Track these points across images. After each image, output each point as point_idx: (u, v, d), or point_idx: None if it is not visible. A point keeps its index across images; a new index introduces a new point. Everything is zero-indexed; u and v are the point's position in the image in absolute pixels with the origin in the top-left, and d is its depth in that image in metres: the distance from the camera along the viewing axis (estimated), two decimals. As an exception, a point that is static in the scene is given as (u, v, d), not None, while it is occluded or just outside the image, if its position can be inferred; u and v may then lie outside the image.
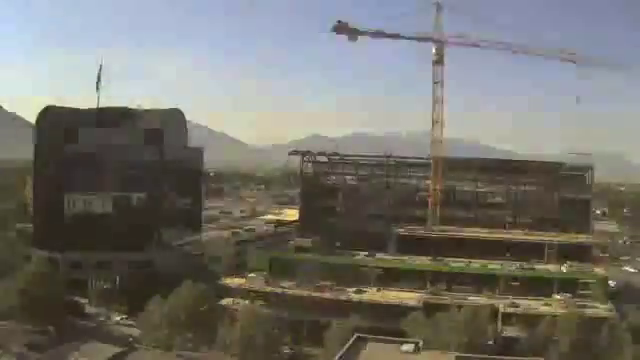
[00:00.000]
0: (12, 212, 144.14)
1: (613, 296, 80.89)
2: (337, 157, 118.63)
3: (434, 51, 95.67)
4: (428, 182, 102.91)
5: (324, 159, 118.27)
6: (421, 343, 46.13)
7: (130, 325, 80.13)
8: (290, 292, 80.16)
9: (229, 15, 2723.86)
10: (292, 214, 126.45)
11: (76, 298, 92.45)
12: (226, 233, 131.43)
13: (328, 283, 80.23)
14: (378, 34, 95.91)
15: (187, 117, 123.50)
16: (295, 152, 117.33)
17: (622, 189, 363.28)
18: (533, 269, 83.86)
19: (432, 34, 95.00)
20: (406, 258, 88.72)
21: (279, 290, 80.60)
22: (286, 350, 68.59)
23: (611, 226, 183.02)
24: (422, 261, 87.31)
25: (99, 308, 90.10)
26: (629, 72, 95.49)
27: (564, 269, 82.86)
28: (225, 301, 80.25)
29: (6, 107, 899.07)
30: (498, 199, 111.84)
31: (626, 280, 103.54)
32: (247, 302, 76.10)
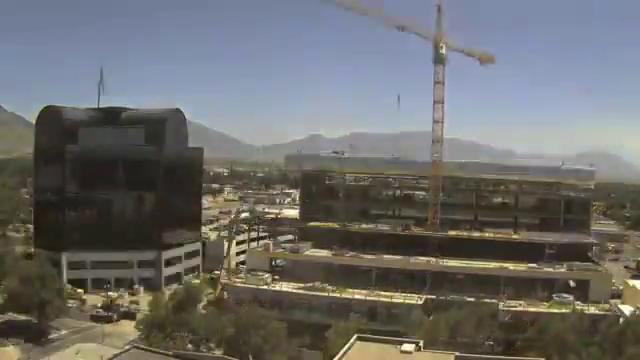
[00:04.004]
0: (11, 211, 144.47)
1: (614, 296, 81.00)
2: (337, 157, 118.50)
3: (434, 51, 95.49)
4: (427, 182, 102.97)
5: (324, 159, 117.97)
6: (421, 343, 46.07)
7: (129, 325, 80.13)
8: (290, 292, 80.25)
9: (229, 15, 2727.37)
10: (292, 214, 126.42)
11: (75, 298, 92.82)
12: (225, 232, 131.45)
13: (326, 284, 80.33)
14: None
15: (187, 117, 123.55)
16: (295, 152, 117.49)
17: (622, 189, 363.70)
18: (533, 269, 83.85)
19: (433, 35, 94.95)
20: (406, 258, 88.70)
21: (279, 290, 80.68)
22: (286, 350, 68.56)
23: (611, 227, 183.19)
24: (422, 261, 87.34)
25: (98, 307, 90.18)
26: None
27: (564, 269, 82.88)
28: (225, 301, 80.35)
29: (6, 107, 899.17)
30: (499, 199, 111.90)
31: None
32: (247, 302, 76.07)
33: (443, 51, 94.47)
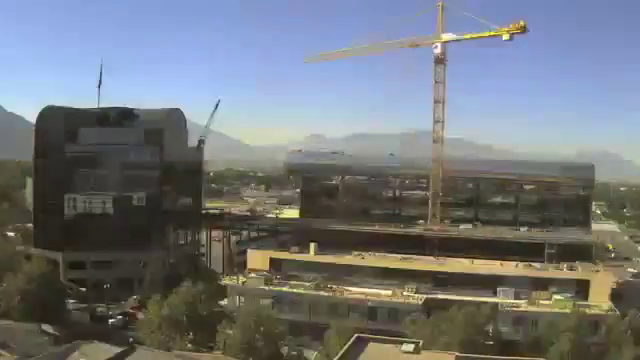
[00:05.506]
0: (12, 212, 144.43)
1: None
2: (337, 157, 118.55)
3: (435, 51, 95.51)
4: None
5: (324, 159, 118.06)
6: (421, 343, 46.02)
7: (130, 325, 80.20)
8: (290, 292, 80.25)
9: (229, 16, 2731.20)
10: (292, 214, 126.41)
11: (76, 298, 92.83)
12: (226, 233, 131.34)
13: (327, 284, 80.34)
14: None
15: (187, 117, 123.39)
16: (295, 152, 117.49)
17: (622, 189, 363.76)
18: (533, 269, 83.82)
19: (432, 35, 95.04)
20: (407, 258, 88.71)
21: (279, 290, 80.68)
22: (286, 351, 68.57)
23: (611, 226, 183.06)
24: (422, 261, 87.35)
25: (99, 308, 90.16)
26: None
27: (564, 269, 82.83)
28: (225, 301, 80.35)
29: (6, 107, 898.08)
30: (500, 198, 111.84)
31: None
32: (247, 302, 76.11)
33: (443, 51, 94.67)
